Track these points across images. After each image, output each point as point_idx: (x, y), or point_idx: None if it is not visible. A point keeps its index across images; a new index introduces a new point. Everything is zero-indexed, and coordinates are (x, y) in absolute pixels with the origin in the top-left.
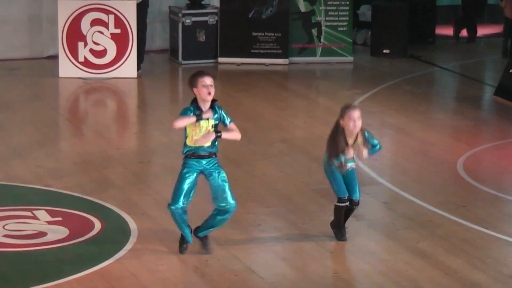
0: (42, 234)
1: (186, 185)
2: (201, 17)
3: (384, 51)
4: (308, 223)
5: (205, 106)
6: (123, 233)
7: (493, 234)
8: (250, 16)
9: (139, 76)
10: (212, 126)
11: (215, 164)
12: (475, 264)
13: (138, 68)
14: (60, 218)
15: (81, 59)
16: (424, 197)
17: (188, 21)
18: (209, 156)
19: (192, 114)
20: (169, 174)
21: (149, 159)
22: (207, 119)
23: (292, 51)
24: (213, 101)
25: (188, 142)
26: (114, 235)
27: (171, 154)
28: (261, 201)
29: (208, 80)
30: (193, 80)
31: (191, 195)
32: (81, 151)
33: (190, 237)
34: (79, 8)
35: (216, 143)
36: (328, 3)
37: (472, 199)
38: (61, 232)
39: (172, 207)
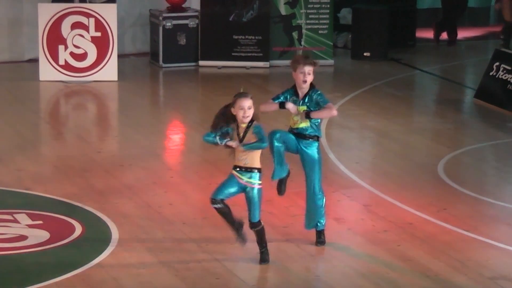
0: (22, 237)
1: (288, 135)
2: (181, 20)
3: (365, 54)
4: (289, 226)
5: (302, 92)
6: (104, 236)
7: (474, 237)
8: (230, 19)
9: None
10: (304, 112)
11: (310, 145)
12: (456, 267)
13: None
14: (40, 222)
15: (61, 62)
16: (405, 199)
17: (168, 24)
18: (306, 137)
19: (286, 97)
20: (150, 177)
21: (130, 162)
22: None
23: (272, 54)
24: (312, 87)
25: (290, 123)
26: (95, 238)
27: (152, 158)
28: (242, 204)
29: (306, 69)
30: (293, 64)
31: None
32: (62, 155)
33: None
34: (60, 12)
35: (312, 125)
36: (309, 6)
37: (452, 201)
38: (42, 235)
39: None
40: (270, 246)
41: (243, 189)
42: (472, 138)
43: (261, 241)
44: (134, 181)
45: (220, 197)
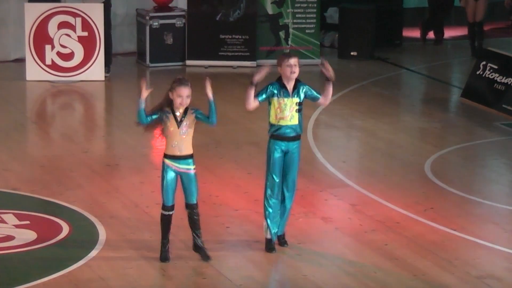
0: (9, 237)
1: (278, 167)
2: (168, 20)
3: (352, 53)
4: None
5: (290, 85)
6: (91, 236)
7: (461, 236)
8: (217, 18)
9: (108, 78)
10: (296, 104)
11: (298, 147)
12: (443, 266)
13: (108, 70)
14: (28, 222)
15: (48, 62)
16: (392, 199)
17: (155, 24)
18: (294, 139)
19: (273, 89)
20: (137, 177)
21: (116, 162)
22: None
23: (259, 53)
24: (297, 80)
25: (272, 121)
26: (82, 238)
27: (138, 157)
28: (230, 203)
29: (292, 61)
30: (278, 61)
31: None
32: (49, 154)
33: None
34: (46, 11)
35: (299, 122)
36: (296, 5)
37: (439, 200)
38: (29, 236)
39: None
40: (258, 245)
41: (178, 175)
42: (459, 137)
43: (194, 228)
44: (121, 181)
45: (172, 202)
